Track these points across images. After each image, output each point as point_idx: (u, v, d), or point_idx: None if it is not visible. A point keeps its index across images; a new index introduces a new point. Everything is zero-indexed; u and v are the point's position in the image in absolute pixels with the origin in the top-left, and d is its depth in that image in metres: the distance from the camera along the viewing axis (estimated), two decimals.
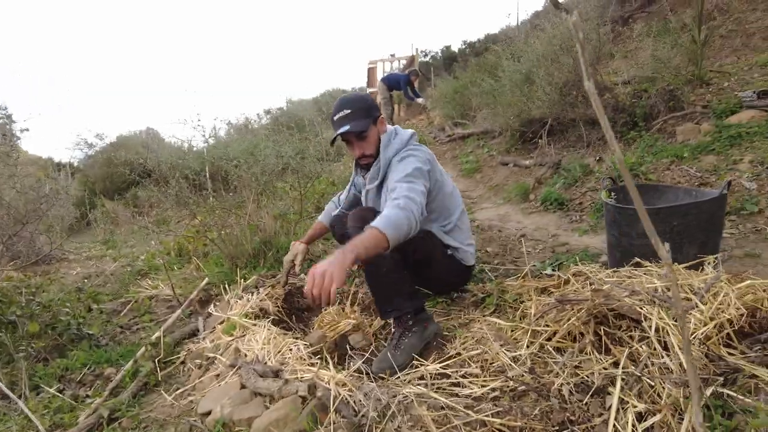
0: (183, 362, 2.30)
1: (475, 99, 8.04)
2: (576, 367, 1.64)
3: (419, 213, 1.79)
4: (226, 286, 2.97)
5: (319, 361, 1.87)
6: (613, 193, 2.29)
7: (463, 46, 18.99)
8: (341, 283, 1.43)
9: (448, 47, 19.86)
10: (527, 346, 1.84)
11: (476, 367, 1.91)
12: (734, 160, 3.29)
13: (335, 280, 1.42)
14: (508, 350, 1.87)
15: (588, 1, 6.76)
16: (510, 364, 1.81)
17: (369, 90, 14.88)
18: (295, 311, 2.88)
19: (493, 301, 2.37)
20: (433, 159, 2.16)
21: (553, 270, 2.69)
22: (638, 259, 2.03)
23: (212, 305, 2.98)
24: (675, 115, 4.60)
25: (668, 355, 1.51)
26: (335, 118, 2.12)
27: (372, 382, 1.76)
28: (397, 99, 11.99)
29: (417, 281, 2.27)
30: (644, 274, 1.96)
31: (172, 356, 2.34)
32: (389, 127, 2.24)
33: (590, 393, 1.49)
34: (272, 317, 2.58)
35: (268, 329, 2.14)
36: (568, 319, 1.74)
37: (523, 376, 1.71)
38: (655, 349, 1.55)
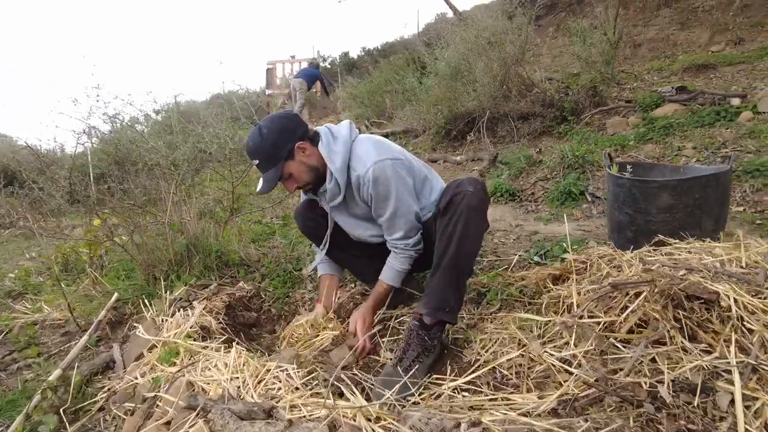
0: (102, 408, 1.63)
1: (391, 98, 7.84)
2: (652, 361, 1.35)
3: (416, 248, 1.89)
4: (146, 301, 2.29)
5: (325, 390, 1.37)
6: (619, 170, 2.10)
7: (362, 53, 18.96)
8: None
9: (346, 53, 19.72)
10: (575, 344, 1.53)
11: (511, 374, 1.56)
12: (678, 147, 3.38)
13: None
14: (553, 351, 1.54)
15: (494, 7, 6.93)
16: (562, 367, 1.48)
17: (268, 92, 14.10)
18: (240, 327, 2.31)
19: (495, 296, 2.04)
20: (395, 156, 1.79)
21: (541, 258, 2.45)
22: (661, 237, 1.83)
23: (129, 327, 2.28)
24: (602, 110, 4.75)
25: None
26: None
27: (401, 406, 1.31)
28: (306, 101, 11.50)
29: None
30: (675, 251, 1.77)
31: (84, 402, 1.66)
32: (319, 129, 1.83)
33: (693, 391, 1.20)
34: (218, 336, 2.01)
35: (237, 351, 1.57)
36: (635, 306, 1.45)
37: (593, 380, 1.38)
38: (741, 331, 1.32)
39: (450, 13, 12.76)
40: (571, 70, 6.27)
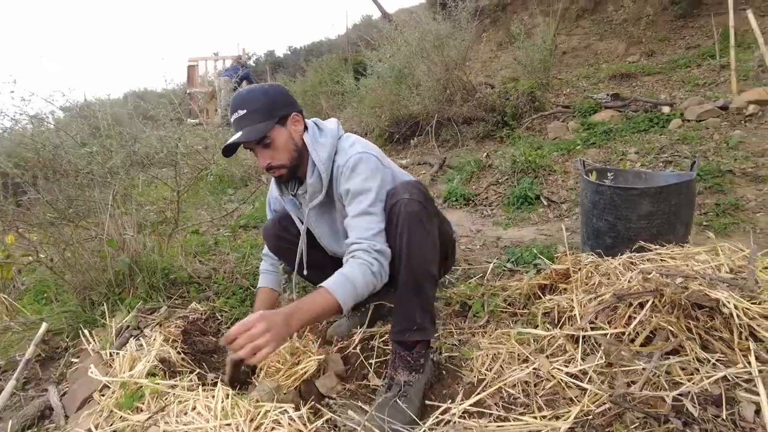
0: None
1: (327, 99, 7.66)
2: (667, 372, 1.34)
3: (385, 259, 1.47)
4: (85, 331, 1.98)
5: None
6: (595, 176, 2.12)
7: (289, 52, 18.50)
8: (273, 351, 1.22)
9: (271, 52, 19.14)
10: (582, 358, 1.50)
11: (518, 393, 1.49)
12: (622, 152, 3.55)
13: (269, 345, 1.20)
14: (560, 365, 1.49)
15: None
16: (572, 383, 1.44)
17: (189, 90, 13.28)
18: (200, 356, 2.06)
19: (482, 309, 1.98)
20: (381, 156, 1.65)
21: (513, 265, 2.44)
22: (642, 243, 1.86)
23: (65, 364, 1.95)
24: (542, 115, 4.92)
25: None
26: (232, 120, 1.54)
27: None
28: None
29: None
30: (656, 258, 1.81)
31: None
32: (307, 122, 1.68)
33: (718, 403, 1.20)
34: (181, 369, 1.77)
35: (224, 392, 1.36)
36: (643, 316, 1.44)
37: (605, 393, 1.34)
38: (745, 337, 1.35)
39: (375, 15, 12.81)
40: (503, 76, 6.48)
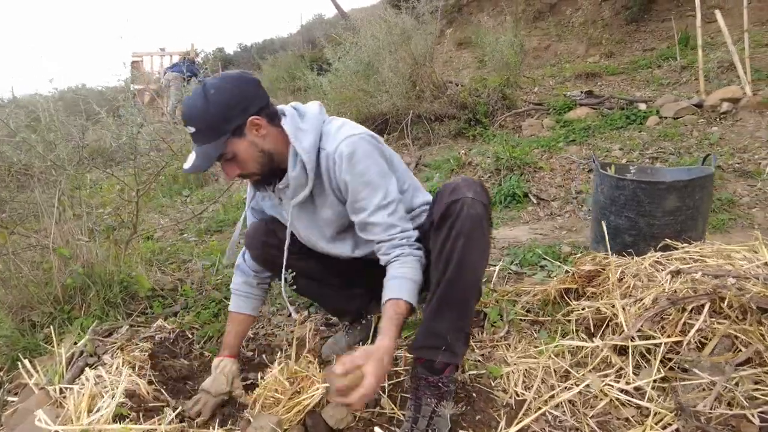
0: None
1: (285, 96, 7.32)
2: (736, 384, 1.18)
3: (421, 246, 1.38)
4: (24, 361, 1.62)
5: None
6: (614, 171, 1.98)
7: (239, 49, 17.81)
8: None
9: (221, 49, 18.35)
10: (634, 372, 1.32)
11: (565, 415, 1.30)
12: (606, 148, 3.48)
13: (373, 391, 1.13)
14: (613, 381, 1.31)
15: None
16: (626, 401, 1.26)
17: (133, 87, 12.44)
18: (172, 383, 1.74)
19: (500, 318, 1.78)
20: (373, 135, 1.42)
21: (518, 267, 2.26)
22: (668, 241, 1.73)
23: (0, 404, 1.58)
24: (516, 112, 4.84)
25: None
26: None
27: None
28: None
29: None
30: (684, 256, 1.67)
31: None
32: (284, 108, 1.44)
33: None
34: (154, 403, 1.46)
35: None
36: (702, 323, 1.28)
37: (674, 414, 1.17)
38: None
39: (327, 15, 12.50)
40: (467, 75, 6.41)
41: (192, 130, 1.29)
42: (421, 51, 5.11)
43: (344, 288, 1.73)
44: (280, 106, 1.43)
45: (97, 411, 1.32)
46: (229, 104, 1.28)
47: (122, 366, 1.57)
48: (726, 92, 3.78)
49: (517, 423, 1.26)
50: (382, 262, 1.36)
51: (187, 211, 3.89)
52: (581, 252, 2.29)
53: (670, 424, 1.18)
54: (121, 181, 2.28)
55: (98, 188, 3.06)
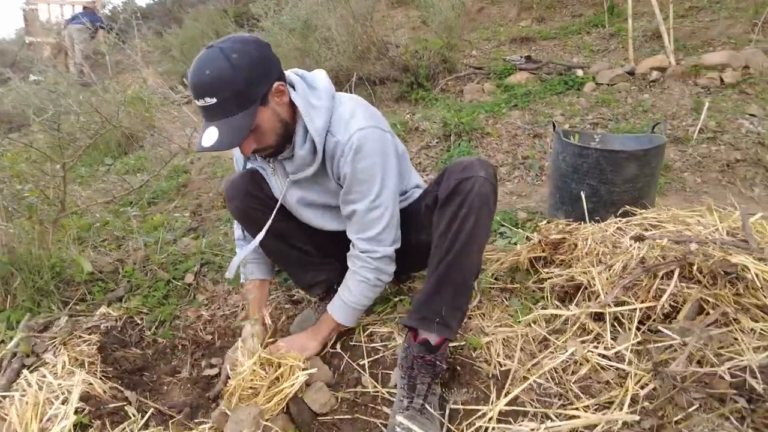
0: None
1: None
2: (705, 345, 1.27)
3: (386, 265, 1.44)
4: None
5: None
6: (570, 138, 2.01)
7: (152, 1, 16.19)
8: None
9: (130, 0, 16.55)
10: (611, 338, 1.37)
11: (549, 382, 1.33)
12: (549, 114, 3.57)
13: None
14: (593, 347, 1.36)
15: None
16: (607, 365, 1.31)
17: (28, 39, 10.97)
18: (126, 376, 1.60)
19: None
20: (386, 128, 1.38)
21: None
22: (627, 207, 1.81)
23: None
24: (457, 76, 4.82)
25: None
26: (198, 104, 1.18)
27: None
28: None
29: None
30: (643, 222, 1.76)
31: None
32: (289, 76, 1.34)
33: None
34: (116, 403, 1.33)
35: None
36: (674, 288, 1.35)
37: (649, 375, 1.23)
38: None
39: None
40: (402, 36, 6.26)
41: (212, 101, 1.14)
42: (362, 9, 4.91)
43: (319, 256, 1.67)
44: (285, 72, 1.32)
45: (48, 420, 1.17)
46: (257, 69, 1.17)
47: (68, 364, 1.40)
48: (654, 61, 3.98)
49: (506, 394, 1.28)
50: (348, 262, 1.46)
51: (111, 180, 3.53)
52: (537, 217, 2.36)
53: (647, 384, 1.25)
54: (42, 153, 1.98)
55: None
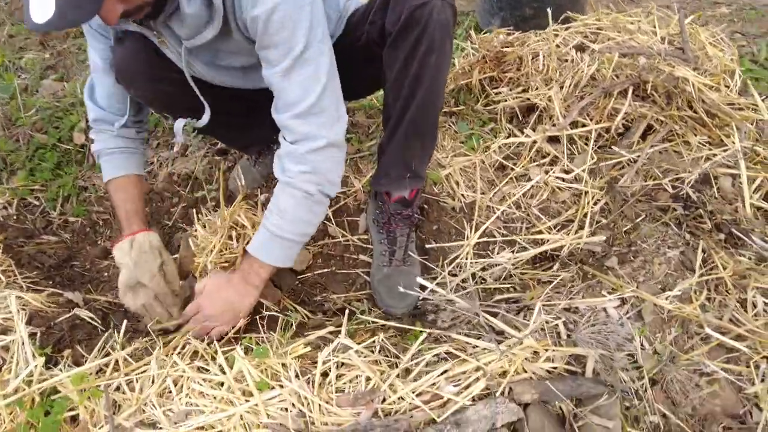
0: None
1: None
2: (651, 161, 1.38)
3: (339, 167, 1.09)
4: None
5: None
6: None
7: None
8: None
9: None
10: (568, 159, 1.43)
11: (512, 209, 1.40)
12: None
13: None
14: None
15: None
16: (565, 187, 1.40)
17: None
18: (54, 274, 1.39)
19: None
20: None
21: None
22: (570, 13, 1.72)
23: None
24: None
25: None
26: None
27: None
28: None
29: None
30: (584, 29, 1.70)
31: None
32: None
33: (708, 182, 1.30)
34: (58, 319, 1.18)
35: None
36: (628, 107, 1.38)
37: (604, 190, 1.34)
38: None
39: None
40: None
41: None
42: None
43: (250, 116, 1.40)
44: None
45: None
46: None
47: None
48: None
49: (476, 228, 1.33)
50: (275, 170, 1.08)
51: None
52: (468, 21, 2.18)
53: (599, 200, 1.37)
54: None
55: None
